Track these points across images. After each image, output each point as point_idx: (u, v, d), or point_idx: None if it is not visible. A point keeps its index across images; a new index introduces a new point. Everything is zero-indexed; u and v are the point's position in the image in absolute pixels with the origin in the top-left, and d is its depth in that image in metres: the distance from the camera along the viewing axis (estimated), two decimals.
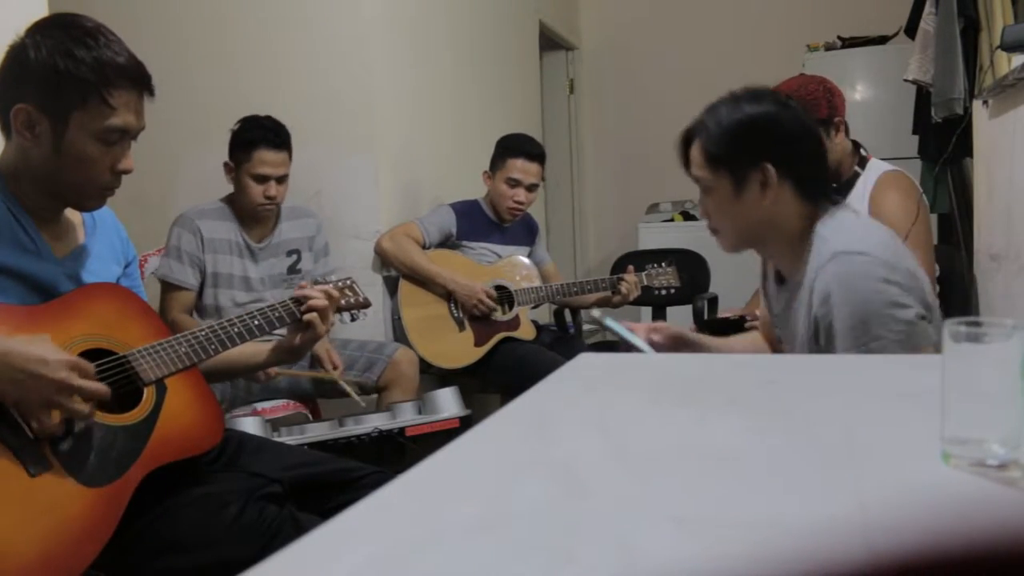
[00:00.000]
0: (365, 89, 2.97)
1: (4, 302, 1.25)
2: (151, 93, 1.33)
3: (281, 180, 2.47)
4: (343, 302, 1.65)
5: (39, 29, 1.27)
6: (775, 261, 1.62)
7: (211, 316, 2.46)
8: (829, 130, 2.24)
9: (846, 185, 2.27)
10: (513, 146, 2.96)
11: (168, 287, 2.46)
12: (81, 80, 1.24)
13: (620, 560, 0.55)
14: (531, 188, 2.94)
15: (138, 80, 1.30)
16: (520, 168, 2.91)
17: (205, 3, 3.04)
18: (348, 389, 2.39)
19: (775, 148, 1.48)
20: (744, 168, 1.48)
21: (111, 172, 1.31)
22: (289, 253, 2.58)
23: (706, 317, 3.09)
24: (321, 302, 1.52)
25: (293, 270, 2.58)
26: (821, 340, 1.46)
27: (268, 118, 2.48)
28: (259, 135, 2.43)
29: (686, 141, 1.58)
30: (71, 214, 1.42)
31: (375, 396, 2.56)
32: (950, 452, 0.71)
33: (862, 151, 2.31)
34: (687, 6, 5.06)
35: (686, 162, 1.59)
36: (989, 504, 0.65)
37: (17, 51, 1.26)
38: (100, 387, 1.19)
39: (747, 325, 2.24)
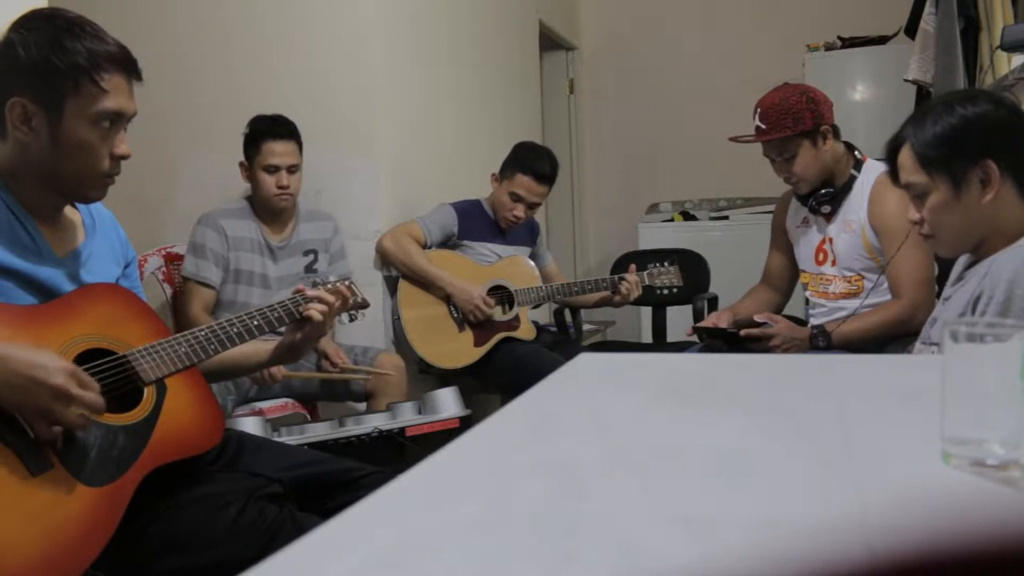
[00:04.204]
0: (365, 89, 2.97)
1: (4, 302, 1.25)
2: (139, 77, 1.35)
3: (292, 170, 2.55)
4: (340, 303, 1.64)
5: (24, 23, 1.29)
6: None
7: (231, 311, 2.47)
8: (816, 140, 2.23)
9: (843, 188, 2.27)
10: (526, 161, 2.91)
11: (191, 284, 2.51)
12: (72, 66, 1.26)
13: (620, 560, 0.55)
14: (532, 206, 2.94)
15: (126, 64, 1.32)
16: (526, 186, 2.89)
17: (205, 3, 3.04)
18: (358, 376, 2.48)
19: (995, 144, 1.45)
20: (962, 167, 1.45)
21: (110, 158, 1.32)
22: (306, 253, 2.65)
23: (704, 322, 3.05)
24: (319, 307, 1.52)
25: (310, 269, 2.64)
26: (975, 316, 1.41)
27: (274, 115, 2.59)
28: (265, 128, 2.55)
29: (892, 151, 1.55)
30: (71, 214, 1.42)
31: (364, 403, 2.57)
32: (950, 452, 0.71)
33: (856, 153, 2.30)
34: (687, 6, 5.06)
35: (894, 172, 1.56)
36: (989, 504, 0.64)
37: (5, 46, 1.27)
38: (96, 398, 1.18)
39: (743, 332, 2.24)
